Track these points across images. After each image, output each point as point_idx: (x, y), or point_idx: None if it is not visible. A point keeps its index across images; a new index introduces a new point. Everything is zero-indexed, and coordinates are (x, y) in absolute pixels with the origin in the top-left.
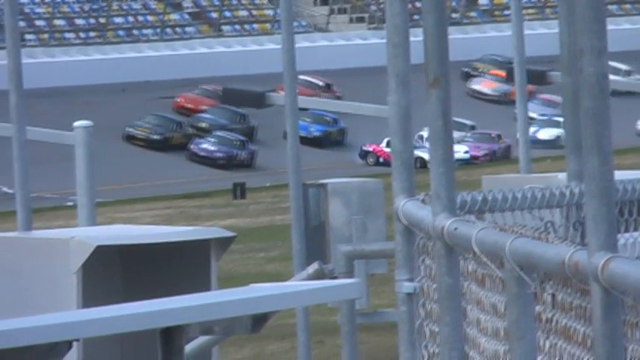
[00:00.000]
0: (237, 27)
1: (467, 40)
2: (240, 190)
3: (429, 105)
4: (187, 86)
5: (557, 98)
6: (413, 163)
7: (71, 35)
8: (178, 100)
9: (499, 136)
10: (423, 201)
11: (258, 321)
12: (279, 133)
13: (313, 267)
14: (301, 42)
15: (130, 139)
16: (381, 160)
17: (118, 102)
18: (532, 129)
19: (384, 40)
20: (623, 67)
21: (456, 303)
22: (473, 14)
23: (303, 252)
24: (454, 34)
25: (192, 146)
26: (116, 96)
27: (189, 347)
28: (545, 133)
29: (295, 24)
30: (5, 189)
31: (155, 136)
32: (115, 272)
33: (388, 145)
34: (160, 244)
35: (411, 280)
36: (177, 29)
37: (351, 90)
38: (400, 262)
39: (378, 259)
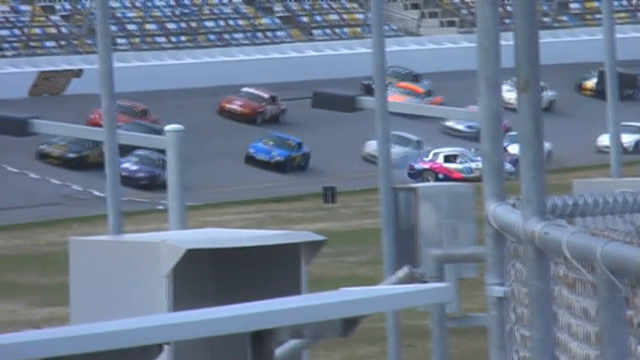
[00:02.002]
0: (328, 31)
1: (558, 44)
2: (330, 194)
3: (520, 108)
4: (279, 90)
5: None
6: (503, 167)
7: (162, 39)
8: (92, 116)
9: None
10: (513, 205)
11: (349, 325)
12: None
13: (403, 271)
14: (392, 46)
15: (44, 157)
16: (440, 177)
17: (210, 106)
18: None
19: (475, 44)
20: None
21: (547, 307)
22: (564, 18)
23: (394, 256)
24: (545, 37)
25: None
26: (207, 100)
27: (279, 351)
28: (514, 149)
29: (386, 28)
30: (96, 192)
31: (71, 155)
32: (205, 276)
33: (446, 159)
34: (251, 248)
35: (501, 284)
36: (268, 33)
37: (442, 94)
38: (491, 266)
39: (469, 263)
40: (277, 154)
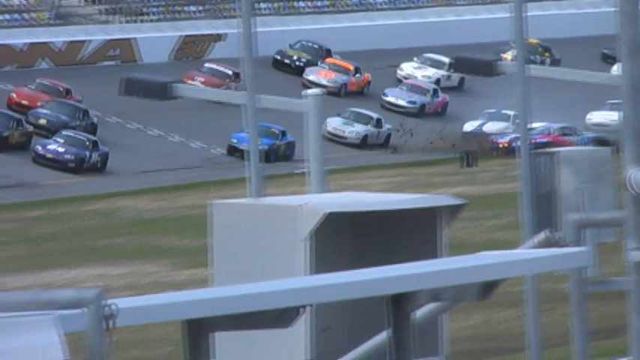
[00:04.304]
0: None
1: None
2: (470, 158)
3: None
4: (417, 55)
5: (423, 83)
6: None
7: (304, 4)
8: (13, 95)
9: None
10: None
11: (488, 288)
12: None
13: (542, 235)
14: (533, 10)
15: None
16: None
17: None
18: (479, 122)
19: (615, 9)
20: (446, 59)
21: None
22: None
23: (533, 220)
24: None
25: (37, 147)
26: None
27: (418, 314)
28: (493, 126)
29: None
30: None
31: None
32: (345, 239)
33: (564, 132)
34: (390, 212)
35: None
36: None
37: (578, 59)
38: (630, 231)
39: (608, 228)
40: (261, 143)
